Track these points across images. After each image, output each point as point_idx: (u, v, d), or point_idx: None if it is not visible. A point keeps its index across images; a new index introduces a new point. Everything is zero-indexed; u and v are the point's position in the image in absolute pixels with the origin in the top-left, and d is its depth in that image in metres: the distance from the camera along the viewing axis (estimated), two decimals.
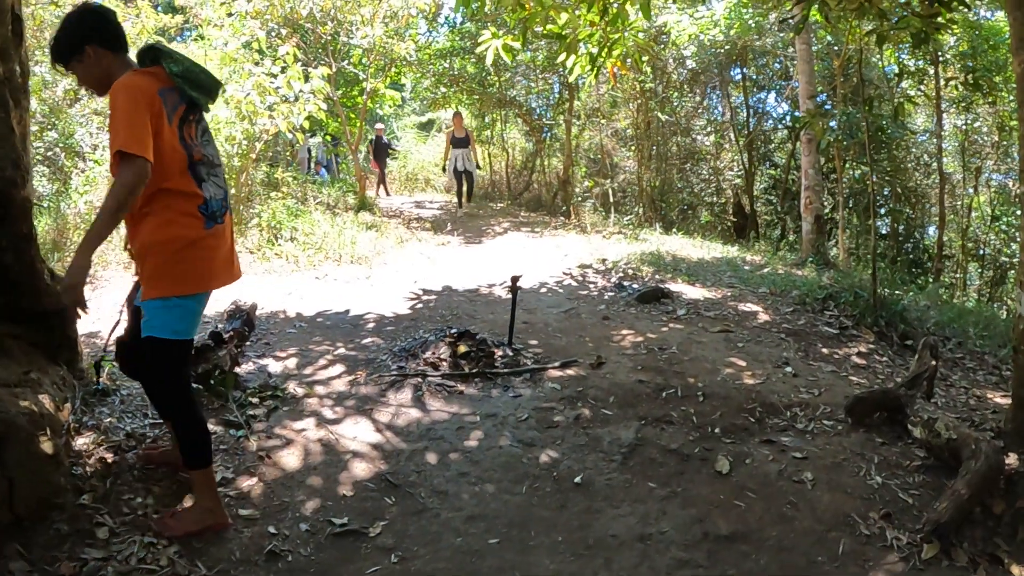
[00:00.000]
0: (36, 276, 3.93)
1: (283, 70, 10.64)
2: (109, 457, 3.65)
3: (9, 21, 3.76)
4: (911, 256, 17.68)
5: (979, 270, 18.88)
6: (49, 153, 11.91)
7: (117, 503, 3.34)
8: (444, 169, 16.84)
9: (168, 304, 3.10)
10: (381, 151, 20.61)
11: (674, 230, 14.42)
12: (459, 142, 15.46)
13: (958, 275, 18.16)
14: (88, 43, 3.05)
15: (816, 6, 5.66)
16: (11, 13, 3.79)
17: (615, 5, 6.42)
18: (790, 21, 6.55)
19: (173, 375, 3.20)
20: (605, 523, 3.46)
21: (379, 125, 21.55)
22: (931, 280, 15.01)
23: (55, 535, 3.03)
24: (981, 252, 18.42)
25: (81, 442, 3.66)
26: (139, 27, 13.15)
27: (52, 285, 4.07)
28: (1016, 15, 3.90)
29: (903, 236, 18.14)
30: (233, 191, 10.38)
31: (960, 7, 5.22)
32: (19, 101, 3.87)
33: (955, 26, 12.85)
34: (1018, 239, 13.99)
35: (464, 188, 16.21)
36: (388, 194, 20.34)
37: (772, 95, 19.85)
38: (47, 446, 3.17)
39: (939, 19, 5.26)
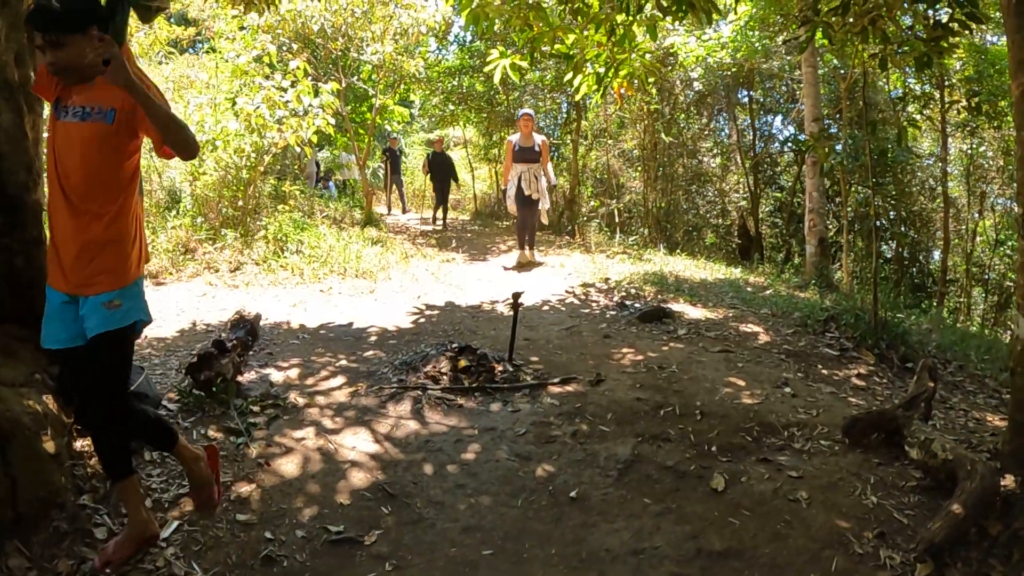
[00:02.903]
0: (44, 280, 3.98)
1: (293, 84, 10.73)
2: None
3: (25, 28, 3.83)
4: (915, 280, 17.68)
5: (983, 295, 18.86)
6: None
7: (116, 504, 3.40)
8: (504, 194, 11.64)
9: (139, 284, 3.14)
10: (438, 168, 17.19)
11: (678, 251, 14.43)
12: (526, 155, 10.86)
13: (962, 299, 18.15)
14: (96, 24, 2.93)
15: (820, 29, 5.72)
16: None
17: (622, 26, 6.49)
18: (795, 42, 6.63)
19: (130, 367, 3.20)
20: (599, 537, 3.49)
21: (436, 135, 19.30)
22: (935, 304, 15.01)
23: (54, 533, 3.08)
24: (986, 277, 18.42)
25: (82, 443, 3.70)
26: (152, 38, 13.29)
27: None
28: (1015, 38, 3.93)
29: (907, 260, 18.15)
30: (241, 203, 10.45)
31: (964, 31, 5.26)
32: (32, 106, 3.93)
33: (959, 50, 12.91)
34: None
35: (530, 221, 11.32)
36: (444, 224, 16.90)
37: (779, 118, 19.92)
38: (50, 446, 3.23)
39: (943, 43, 5.30)
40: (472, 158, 23.80)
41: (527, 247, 11.40)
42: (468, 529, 3.53)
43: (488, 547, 3.40)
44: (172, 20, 16.54)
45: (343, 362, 5.79)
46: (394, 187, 20.47)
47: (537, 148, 10.88)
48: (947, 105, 15.02)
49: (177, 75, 14.52)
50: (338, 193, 21.19)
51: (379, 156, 23.51)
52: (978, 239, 18.62)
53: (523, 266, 11.10)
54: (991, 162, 17.85)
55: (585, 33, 6.74)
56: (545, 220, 11.76)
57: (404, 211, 20.16)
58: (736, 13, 13.85)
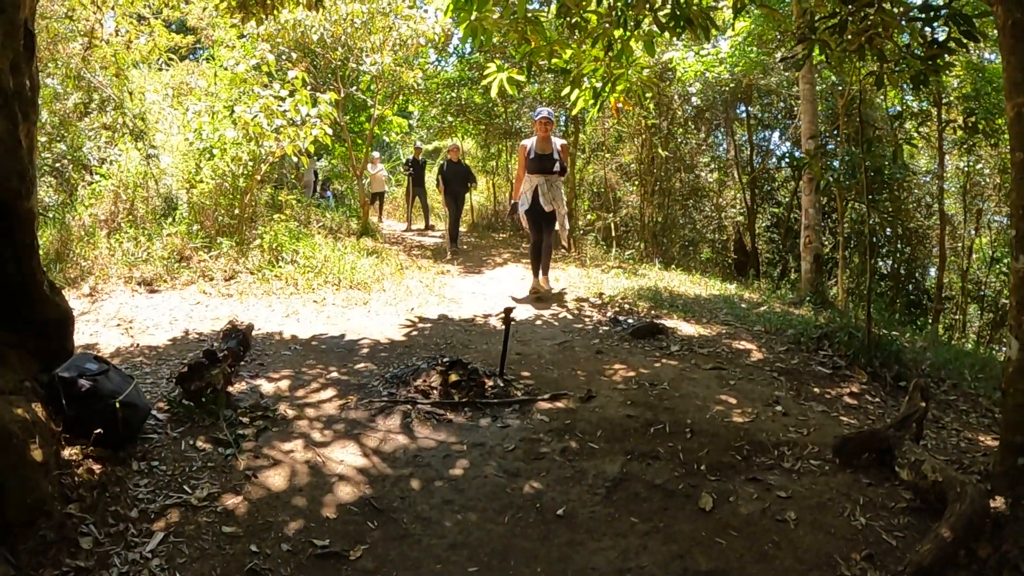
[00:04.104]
0: (36, 286, 3.98)
1: (291, 94, 10.74)
2: (97, 468, 3.68)
3: (21, 36, 3.83)
4: (911, 296, 17.73)
5: (979, 312, 18.91)
6: (57, 164, 12.03)
7: (103, 514, 3.40)
8: (513, 210, 10.00)
9: None
10: (456, 179, 15.17)
11: (674, 266, 14.42)
12: (543, 164, 9.14)
13: (958, 316, 18.20)
14: None
15: (818, 46, 5.73)
16: (24, 29, 3.86)
17: (619, 41, 6.50)
18: (793, 58, 6.66)
19: None
20: (586, 556, 3.47)
21: (452, 144, 17.04)
22: (930, 321, 15.03)
23: (41, 542, 3.08)
24: (982, 294, 18.47)
25: (70, 452, 3.68)
26: (151, 45, 13.32)
27: (51, 296, 4.12)
28: (1010, 59, 3.94)
29: (903, 276, 18.20)
30: (237, 211, 10.44)
31: (961, 49, 5.27)
32: (28, 115, 3.94)
33: (957, 68, 12.95)
34: None
35: (544, 243, 9.39)
36: (455, 244, 14.77)
37: (776, 134, 20.01)
38: (38, 454, 3.22)
39: (939, 61, 5.32)
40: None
41: (542, 272, 9.47)
42: (454, 546, 3.51)
43: (474, 564, 3.38)
44: (172, 28, 16.57)
45: (334, 374, 5.77)
46: (416, 200, 19.29)
47: (554, 155, 9.15)
48: (944, 123, 15.07)
49: (176, 82, 14.58)
50: (335, 203, 21.15)
51: (382, 165, 23.28)
52: (974, 256, 18.68)
53: (539, 298, 9.20)
54: (988, 179, 17.93)
55: (582, 48, 6.75)
56: (564, 242, 9.98)
57: (427, 226, 18.92)
58: (734, 29, 13.93)
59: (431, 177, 20.15)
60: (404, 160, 19.58)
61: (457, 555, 3.45)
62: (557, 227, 9.40)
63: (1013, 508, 3.58)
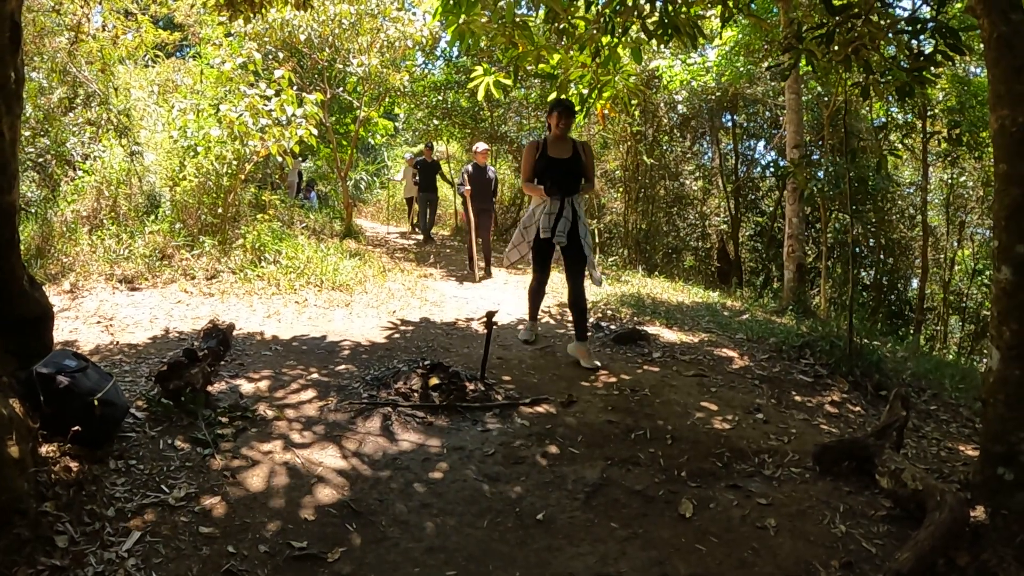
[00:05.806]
0: (16, 282, 3.95)
1: (277, 93, 10.69)
2: (74, 466, 3.64)
3: (8, 28, 3.80)
4: (893, 307, 17.82)
5: (960, 323, 19.03)
6: (40, 159, 11.92)
7: (79, 512, 3.36)
8: (523, 241, 6.48)
9: None
10: (481, 187, 12.08)
11: (657, 273, 14.44)
12: (559, 171, 6.27)
13: (939, 327, 18.30)
14: None
15: (804, 56, 5.76)
16: (10, 20, 3.83)
17: (607, 48, 6.50)
18: (779, 68, 6.70)
19: None
20: (564, 561, 3.46)
21: (481, 147, 12.75)
22: (912, 332, 15.11)
23: (15, 540, 3.04)
24: (963, 305, 18.59)
25: (46, 449, 3.65)
26: (138, 41, 13.25)
27: (31, 292, 4.08)
28: (995, 71, 3.98)
29: (885, 287, 18.29)
30: (220, 210, 10.37)
31: (946, 62, 5.31)
32: (11, 108, 3.91)
33: (942, 81, 13.04)
34: None
35: (572, 297, 6.42)
36: (483, 269, 12.20)
37: (761, 143, 20.09)
38: (14, 451, 3.18)
39: (925, 73, 5.35)
40: (454, 173, 23.80)
41: (535, 319, 7.13)
42: (432, 550, 3.49)
43: (451, 568, 3.36)
44: (160, 24, 16.48)
45: (314, 375, 5.74)
46: (427, 207, 17.05)
47: (576, 157, 6.38)
48: (928, 135, 15.17)
49: (162, 79, 14.50)
50: (319, 204, 21.05)
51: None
52: (956, 268, 18.80)
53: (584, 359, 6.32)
54: (971, 192, 18.05)
55: (570, 54, 6.76)
56: (597, 282, 6.88)
57: (427, 238, 16.93)
58: (721, 38, 13.99)
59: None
60: (414, 162, 18.02)
61: (435, 559, 3.43)
62: (588, 268, 6.43)
63: (992, 517, 3.60)
